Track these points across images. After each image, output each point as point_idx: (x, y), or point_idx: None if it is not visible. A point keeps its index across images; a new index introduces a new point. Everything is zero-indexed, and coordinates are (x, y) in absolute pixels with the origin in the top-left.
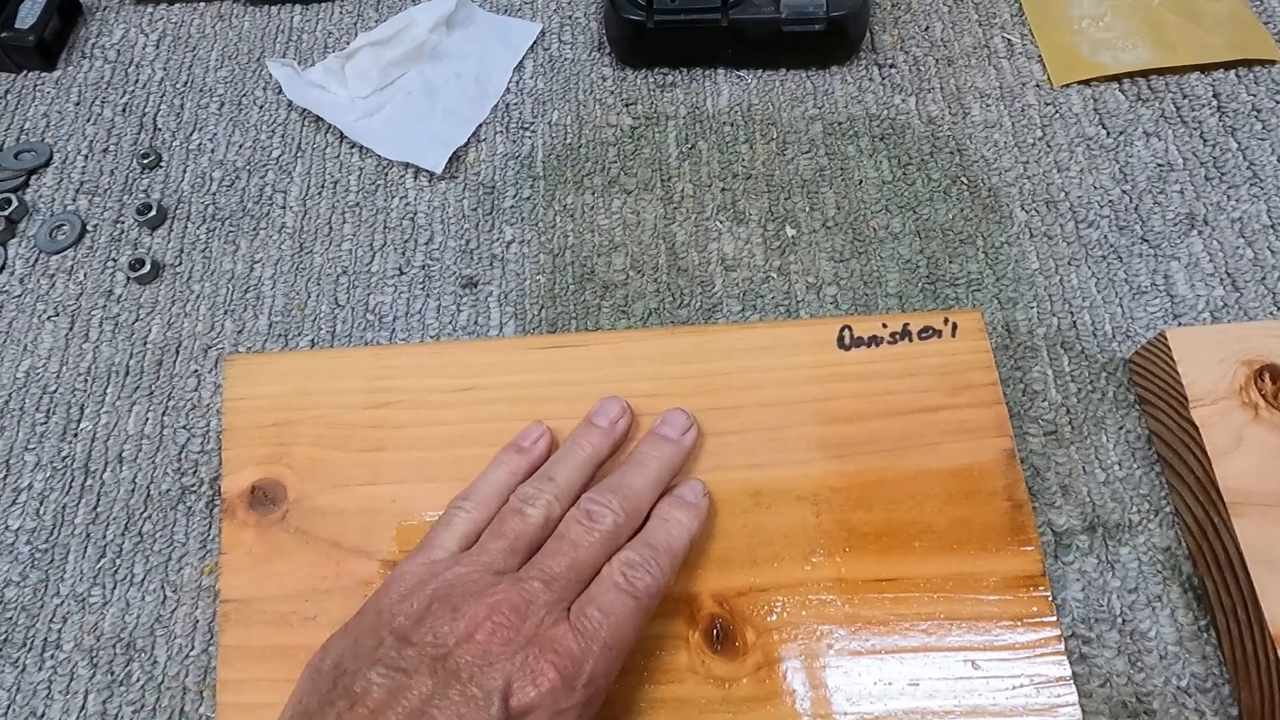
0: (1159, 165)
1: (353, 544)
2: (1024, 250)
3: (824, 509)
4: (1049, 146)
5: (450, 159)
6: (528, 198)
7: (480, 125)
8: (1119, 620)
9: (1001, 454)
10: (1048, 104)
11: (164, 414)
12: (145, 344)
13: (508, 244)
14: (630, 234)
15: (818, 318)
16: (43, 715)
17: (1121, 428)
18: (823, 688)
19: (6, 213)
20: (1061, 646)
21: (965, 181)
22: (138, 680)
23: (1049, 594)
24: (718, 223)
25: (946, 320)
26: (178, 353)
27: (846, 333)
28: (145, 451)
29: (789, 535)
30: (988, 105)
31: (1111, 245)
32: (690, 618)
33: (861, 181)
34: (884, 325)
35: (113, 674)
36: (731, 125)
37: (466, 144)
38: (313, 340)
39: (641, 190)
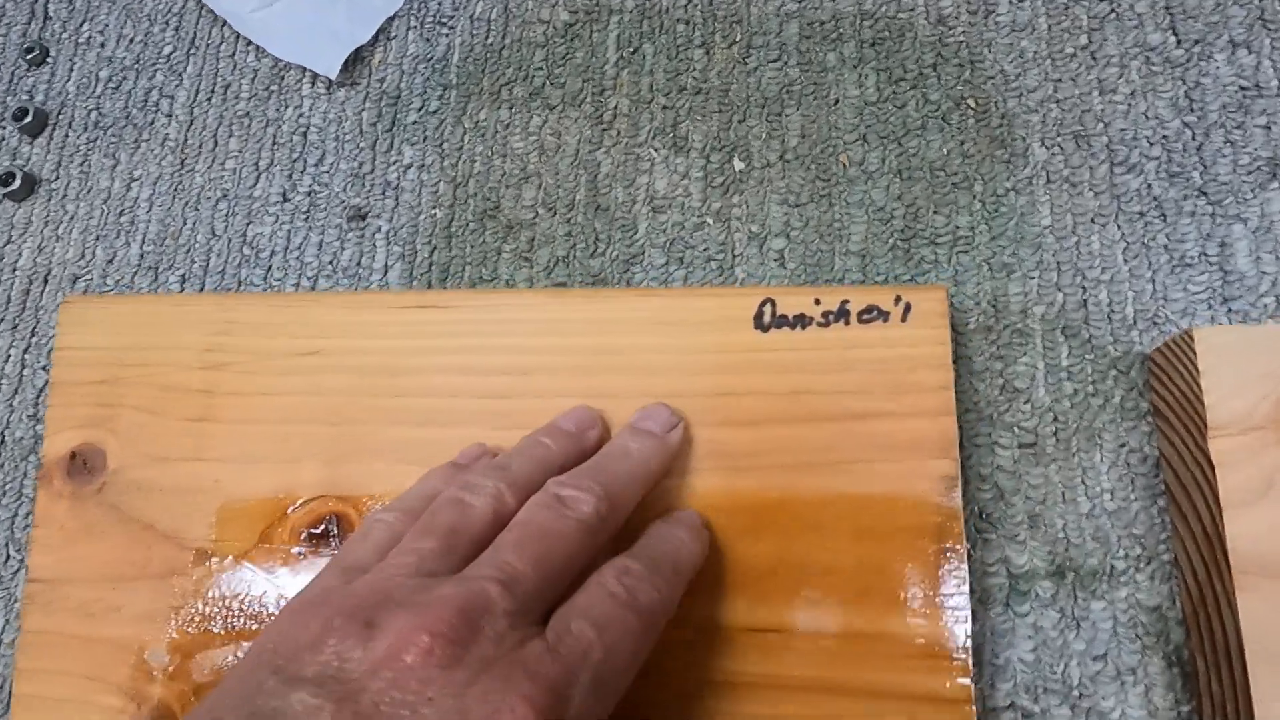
0: (1242, 88)
1: (167, 527)
2: (1035, 200)
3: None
4: (1093, 59)
5: (354, 61)
6: (435, 111)
7: (392, 19)
8: (1074, 694)
9: (939, 482)
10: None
11: (25, 351)
12: (14, 270)
13: (405, 168)
14: (547, 161)
15: (731, 287)
16: None
17: (1123, 445)
18: None
19: None
20: None
21: (972, 105)
22: None
23: (969, 678)
24: (652, 150)
25: (898, 299)
26: (46, 282)
27: (768, 308)
28: (3, 393)
29: None
30: (1020, 1)
31: (1155, 198)
32: None
33: (838, 101)
34: (816, 301)
35: None
36: (686, 23)
37: (374, 42)
38: (184, 276)
39: (567, 105)
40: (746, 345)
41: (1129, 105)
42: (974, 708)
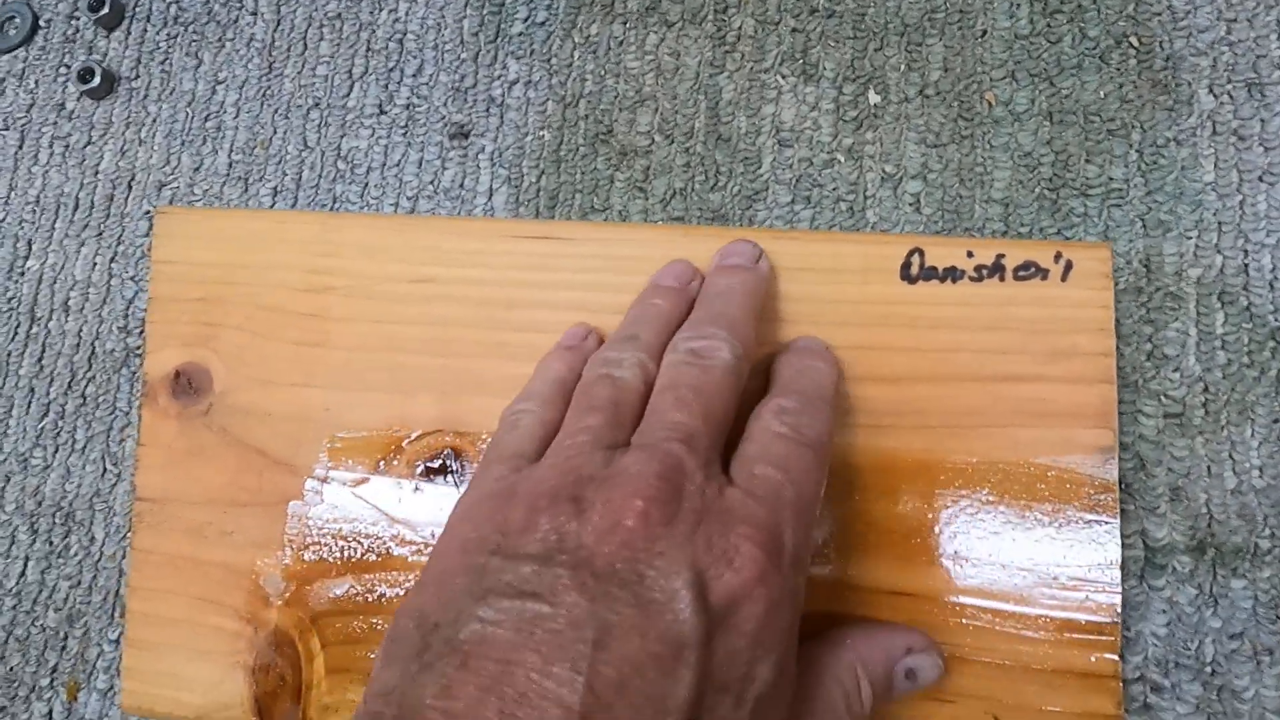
0: None
1: (278, 453)
2: (1198, 153)
3: (841, 491)
4: None
5: None
6: (542, 23)
7: None
8: (1207, 670)
9: (1095, 453)
10: None
11: (112, 260)
12: (97, 173)
13: (510, 84)
14: (664, 83)
15: (878, 234)
16: None
17: (1277, 420)
18: None
19: None
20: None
21: (1135, 43)
22: (75, 554)
23: (1118, 655)
24: (779, 77)
25: (1059, 256)
26: (130, 187)
27: (916, 258)
28: (92, 302)
29: None
30: None
31: None
32: None
33: (986, 33)
34: (969, 254)
35: (51, 544)
36: None
37: None
38: (275, 188)
39: (687, 22)
40: (891, 297)
41: None
42: (1120, 684)
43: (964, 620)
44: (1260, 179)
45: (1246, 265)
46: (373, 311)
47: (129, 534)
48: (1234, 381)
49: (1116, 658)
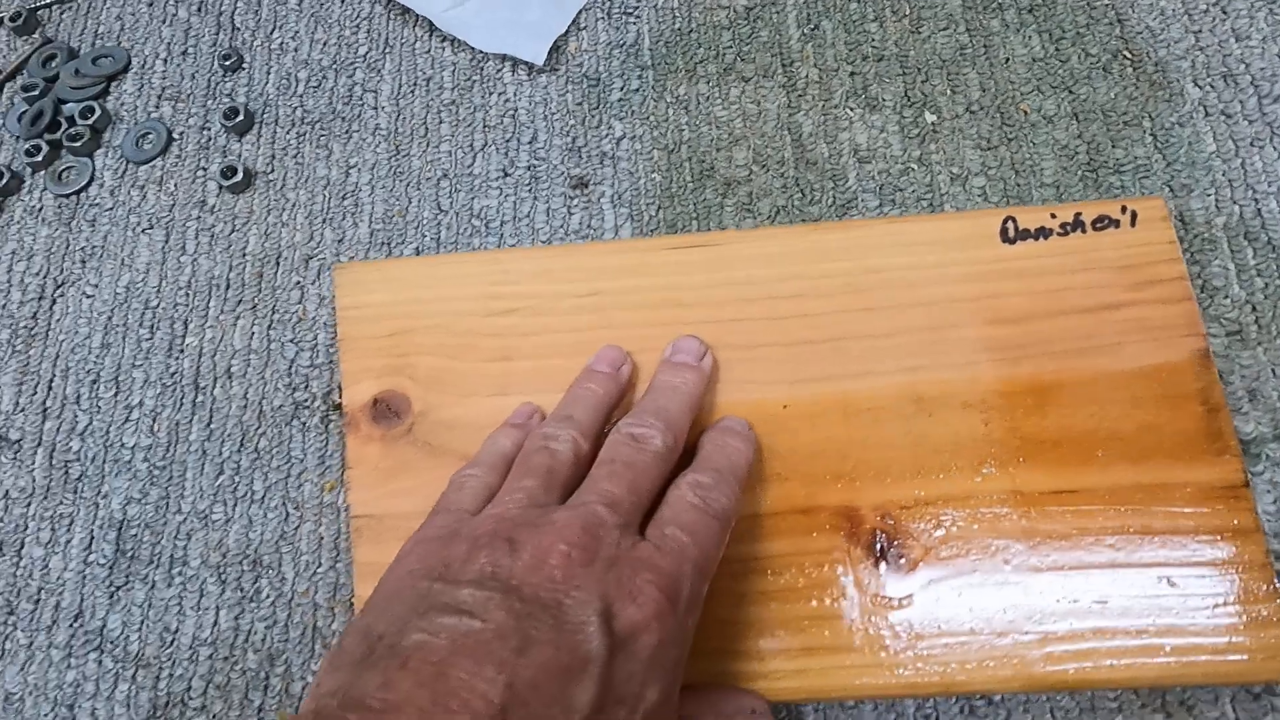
0: None
1: None
2: (1198, 131)
3: (994, 416)
4: (1224, 14)
5: (549, 50)
6: (636, 89)
7: (580, 11)
8: None
9: (1194, 354)
10: None
11: (269, 328)
12: (244, 255)
13: (618, 140)
14: (751, 125)
15: (976, 209)
16: (176, 630)
17: None
18: (1002, 606)
19: (90, 121)
20: (1267, 561)
21: (1128, 56)
22: (267, 596)
23: (1252, 506)
24: (848, 110)
25: (1124, 208)
26: (278, 264)
27: (1011, 224)
28: (254, 366)
29: (956, 444)
30: None
31: None
32: (850, 532)
33: (1008, 60)
34: (1053, 215)
35: (242, 590)
36: (858, 1)
37: (566, 33)
38: (417, 248)
39: (761, 77)
40: (997, 257)
41: (1264, 48)
42: (1261, 530)
43: (1119, 505)
44: (1251, 144)
45: (1259, 210)
46: (553, 325)
47: (321, 568)
48: (1275, 300)
49: (1257, 513)
